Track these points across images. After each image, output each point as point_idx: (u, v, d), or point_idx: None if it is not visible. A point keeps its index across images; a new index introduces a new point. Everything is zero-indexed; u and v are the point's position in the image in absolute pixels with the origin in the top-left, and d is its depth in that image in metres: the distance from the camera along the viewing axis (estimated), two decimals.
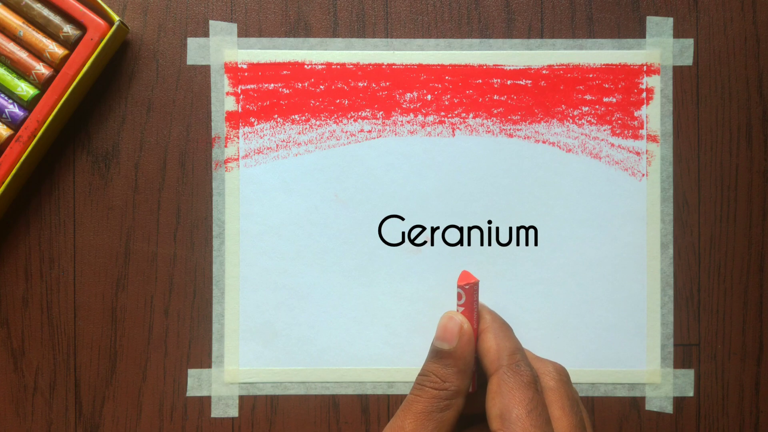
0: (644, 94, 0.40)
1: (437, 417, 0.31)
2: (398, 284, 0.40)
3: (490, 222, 0.40)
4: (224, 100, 0.40)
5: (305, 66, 0.40)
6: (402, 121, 0.40)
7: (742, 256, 0.40)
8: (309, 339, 0.39)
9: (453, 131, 0.40)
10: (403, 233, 0.40)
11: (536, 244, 0.40)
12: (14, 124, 0.38)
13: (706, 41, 0.40)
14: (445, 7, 0.40)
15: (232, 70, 0.40)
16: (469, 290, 0.32)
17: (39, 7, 0.38)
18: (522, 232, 0.40)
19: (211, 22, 0.40)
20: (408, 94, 0.40)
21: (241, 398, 0.39)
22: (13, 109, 0.38)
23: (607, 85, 0.40)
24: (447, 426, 0.31)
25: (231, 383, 0.39)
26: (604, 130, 0.40)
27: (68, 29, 0.38)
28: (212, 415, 0.39)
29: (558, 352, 0.39)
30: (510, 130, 0.40)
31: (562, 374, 0.33)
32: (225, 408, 0.39)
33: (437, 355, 0.32)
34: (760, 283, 0.40)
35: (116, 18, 0.37)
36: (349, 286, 0.40)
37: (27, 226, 0.40)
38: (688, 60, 0.40)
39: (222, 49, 0.40)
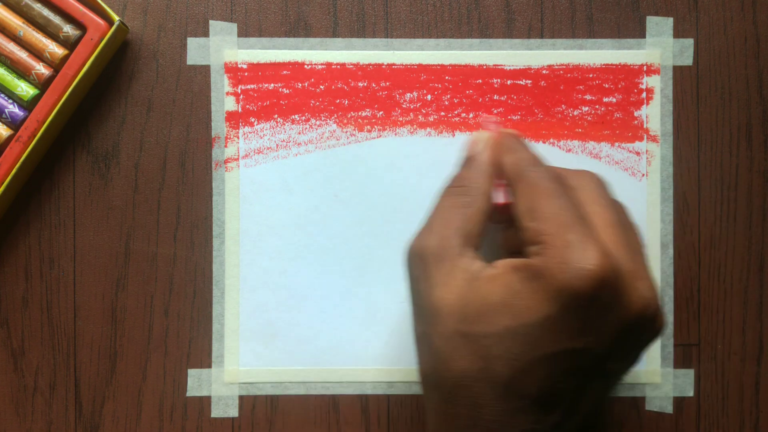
0: (644, 94, 0.40)
1: (460, 212, 0.31)
2: (398, 284, 0.40)
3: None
4: (224, 100, 0.40)
5: (305, 66, 0.40)
6: (402, 121, 0.40)
7: (742, 256, 0.40)
8: (309, 339, 0.39)
9: (453, 131, 0.40)
10: (403, 233, 0.40)
11: None
12: (14, 124, 0.38)
13: (706, 41, 0.40)
14: (445, 7, 0.40)
15: (232, 70, 0.40)
16: (494, 124, 0.34)
17: (39, 7, 0.38)
18: None
19: (211, 22, 0.40)
20: (408, 94, 0.40)
21: (241, 398, 0.39)
22: (13, 109, 0.38)
23: (607, 85, 0.40)
24: (472, 224, 0.31)
25: (231, 383, 0.39)
26: (604, 130, 0.40)
27: (68, 29, 0.38)
28: (212, 415, 0.39)
29: None
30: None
31: (596, 177, 0.33)
32: (225, 408, 0.39)
33: (461, 163, 0.33)
34: (760, 283, 0.40)
35: (116, 18, 0.37)
36: (349, 286, 0.40)
37: (27, 226, 0.40)
38: (688, 60, 0.40)
39: (222, 49, 0.40)
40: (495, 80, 0.40)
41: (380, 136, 0.40)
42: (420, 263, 0.31)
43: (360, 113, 0.40)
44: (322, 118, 0.40)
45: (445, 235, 0.31)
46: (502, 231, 0.35)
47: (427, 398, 0.31)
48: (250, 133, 0.40)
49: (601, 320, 0.29)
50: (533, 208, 0.30)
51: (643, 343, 0.31)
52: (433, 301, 0.30)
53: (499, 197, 0.33)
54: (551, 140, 0.40)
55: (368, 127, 0.40)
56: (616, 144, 0.40)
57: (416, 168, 0.40)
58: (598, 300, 0.28)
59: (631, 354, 0.31)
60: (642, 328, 0.30)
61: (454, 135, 0.40)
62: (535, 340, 0.28)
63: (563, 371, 0.29)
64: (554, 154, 0.40)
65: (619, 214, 0.32)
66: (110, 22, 0.38)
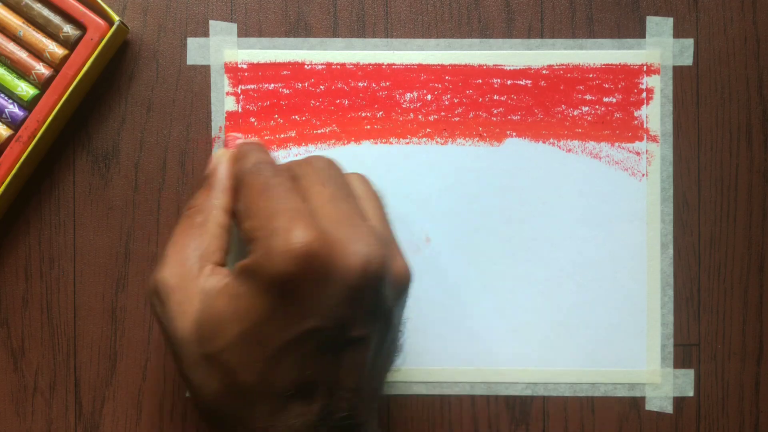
0: (644, 94, 0.40)
1: (195, 233, 0.31)
2: None
3: (490, 222, 0.40)
4: (224, 100, 0.40)
5: (305, 66, 0.40)
6: (402, 121, 0.40)
7: (742, 256, 0.40)
8: None
9: (453, 131, 0.40)
10: (404, 233, 0.40)
11: (536, 244, 0.40)
12: (14, 124, 0.38)
13: (706, 41, 0.40)
14: (445, 7, 0.40)
15: (232, 70, 0.40)
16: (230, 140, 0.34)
17: (39, 7, 0.38)
18: (522, 232, 0.40)
19: (211, 22, 0.40)
20: (408, 94, 0.40)
21: None
22: (13, 109, 0.38)
23: (607, 85, 0.40)
24: (208, 240, 0.31)
25: None
26: (604, 130, 0.40)
27: (68, 29, 0.38)
28: None
29: (558, 352, 0.39)
30: (510, 130, 0.40)
31: (323, 159, 0.32)
32: None
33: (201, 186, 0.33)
34: (760, 283, 0.40)
35: (116, 18, 0.37)
36: None
37: (27, 226, 0.40)
38: (688, 60, 0.40)
39: (222, 49, 0.40)
40: (495, 80, 0.40)
41: (380, 136, 0.40)
42: (157, 300, 0.31)
43: (360, 113, 0.40)
44: (322, 118, 0.40)
45: (179, 261, 0.31)
46: None
47: (208, 427, 0.31)
48: (249, 133, 0.40)
49: (321, 294, 0.28)
50: (248, 207, 0.30)
51: (384, 300, 0.30)
52: (175, 335, 0.30)
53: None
54: (551, 140, 0.40)
55: (368, 126, 0.40)
56: (616, 144, 0.40)
57: (416, 168, 0.40)
58: (310, 276, 0.27)
59: (377, 314, 0.30)
60: (369, 285, 0.29)
61: (454, 135, 0.40)
62: (265, 338, 0.28)
63: (304, 356, 0.28)
64: (554, 154, 0.40)
65: (343, 188, 0.31)
66: (110, 22, 0.38)
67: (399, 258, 0.31)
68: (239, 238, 0.31)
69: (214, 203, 0.32)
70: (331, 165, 0.32)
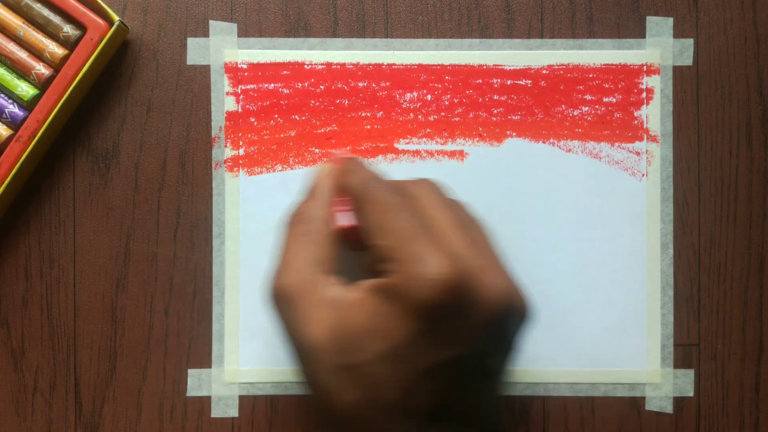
0: (644, 94, 0.40)
1: (306, 241, 0.31)
2: None
3: (489, 222, 0.40)
4: (224, 100, 0.40)
5: (305, 66, 0.40)
6: (402, 121, 0.40)
7: (742, 256, 0.40)
8: None
9: (453, 131, 0.40)
10: None
11: (536, 244, 0.40)
12: (14, 124, 0.38)
13: (706, 41, 0.40)
14: (445, 7, 0.40)
15: (232, 70, 0.40)
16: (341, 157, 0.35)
17: (39, 7, 0.38)
18: (522, 232, 0.40)
19: (211, 22, 0.40)
20: (408, 94, 0.40)
21: (241, 398, 0.39)
22: (13, 109, 0.38)
23: (607, 85, 0.40)
24: (320, 249, 0.31)
25: (231, 383, 0.39)
26: (604, 130, 0.40)
27: (68, 29, 0.38)
28: (212, 415, 0.39)
29: (558, 352, 0.39)
30: (510, 130, 0.40)
31: (429, 181, 0.33)
32: (225, 408, 0.39)
33: (304, 195, 0.34)
34: (760, 283, 0.40)
35: (116, 18, 0.37)
36: None
37: (27, 226, 0.40)
38: (688, 60, 0.40)
39: (222, 49, 0.40)
40: (495, 80, 0.40)
41: (380, 135, 0.40)
42: (283, 304, 0.31)
43: (360, 113, 0.40)
44: (322, 118, 0.40)
45: (298, 268, 0.31)
46: (360, 255, 0.34)
47: None
48: (249, 133, 0.40)
49: (464, 323, 0.28)
50: (380, 225, 0.30)
51: (511, 332, 0.31)
52: (305, 341, 0.30)
53: (344, 221, 0.32)
54: (551, 140, 0.40)
55: (368, 126, 0.40)
56: (616, 144, 0.40)
57: (416, 168, 0.40)
58: (455, 305, 0.28)
59: (505, 346, 0.31)
60: (505, 318, 0.30)
61: (454, 135, 0.40)
62: (410, 359, 0.28)
63: (446, 381, 0.29)
64: (554, 154, 0.40)
65: (458, 213, 0.32)
66: (110, 22, 0.38)
67: (522, 290, 0.31)
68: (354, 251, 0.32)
69: (320, 214, 0.32)
70: (439, 188, 0.33)
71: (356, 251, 0.33)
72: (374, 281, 0.29)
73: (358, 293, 0.30)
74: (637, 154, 0.40)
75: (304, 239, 0.32)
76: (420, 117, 0.40)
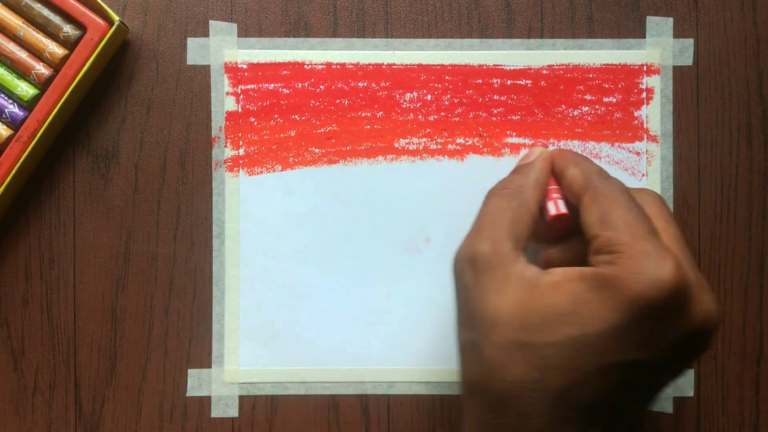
0: (644, 94, 0.40)
1: (510, 215, 0.31)
2: (398, 284, 0.40)
3: None
4: (224, 100, 0.40)
5: (305, 66, 0.40)
6: (402, 121, 0.40)
7: (742, 256, 0.40)
8: (309, 339, 0.39)
9: (453, 131, 0.40)
10: (404, 233, 0.40)
11: (536, 244, 0.40)
12: (14, 124, 0.38)
13: (706, 41, 0.40)
14: (445, 7, 0.40)
15: (232, 70, 0.40)
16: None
17: (39, 7, 0.38)
18: None
19: (211, 22, 0.40)
20: (408, 94, 0.40)
21: (241, 398, 0.39)
22: (13, 109, 0.38)
23: (607, 85, 0.40)
24: (522, 227, 0.31)
25: (231, 383, 0.39)
26: (604, 130, 0.40)
27: (68, 29, 0.38)
28: (212, 415, 0.39)
29: None
30: (510, 130, 0.40)
31: (657, 194, 0.33)
32: (225, 408, 0.39)
33: (513, 170, 0.34)
34: (760, 283, 0.40)
35: (116, 18, 0.37)
36: (349, 286, 0.40)
37: (27, 226, 0.40)
38: (688, 60, 0.40)
39: (222, 49, 0.40)
40: (495, 80, 0.40)
41: (380, 135, 0.40)
42: (471, 270, 0.31)
43: (360, 113, 0.40)
44: (322, 118, 0.40)
45: (496, 239, 0.31)
46: (544, 245, 0.34)
47: (468, 406, 0.31)
48: (249, 133, 0.40)
49: (665, 332, 0.29)
50: (606, 217, 0.30)
51: (694, 355, 0.31)
52: (488, 310, 0.30)
53: (553, 209, 0.33)
54: (551, 140, 0.40)
55: (367, 126, 0.40)
56: (616, 144, 0.40)
57: (417, 167, 0.40)
58: (668, 311, 0.28)
59: (682, 366, 0.31)
60: (699, 341, 0.30)
61: (454, 135, 0.40)
62: (597, 350, 0.28)
63: (619, 382, 0.29)
64: None
65: (677, 228, 0.32)
66: (110, 22, 0.38)
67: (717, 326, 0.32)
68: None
69: (529, 193, 0.32)
70: (665, 203, 0.33)
71: (552, 237, 0.33)
72: (584, 269, 0.29)
73: (556, 277, 0.30)
74: (637, 154, 0.40)
75: (507, 213, 0.31)
76: (420, 117, 0.40)
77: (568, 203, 0.33)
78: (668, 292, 0.28)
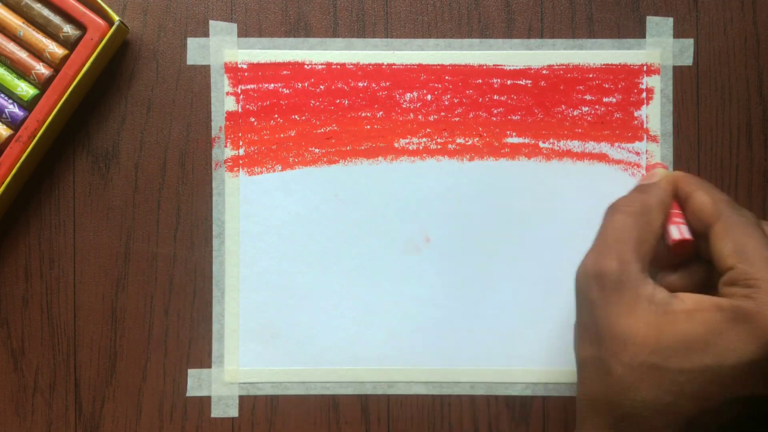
0: (644, 94, 0.40)
1: (636, 234, 0.31)
2: (398, 284, 0.40)
3: (490, 222, 0.40)
4: (224, 100, 0.40)
5: (305, 66, 0.40)
6: (402, 121, 0.40)
7: None
8: (309, 339, 0.39)
9: (453, 131, 0.40)
10: (404, 233, 0.40)
11: (536, 244, 0.40)
12: (14, 124, 0.38)
13: (706, 41, 0.40)
14: (445, 7, 0.40)
15: (232, 70, 0.40)
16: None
17: (39, 7, 0.38)
18: (522, 231, 0.40)
19: (211, 22, 0.40)
20: (408, 94, 0.40)
21: (241, 398, 0.39)
22: (13, 109, 0.38)
23: (607, 85, 0.40)
24: (647, 247, 0.31)
25: (231, 383, 0.39)
26: (604, 131, 0.40)
27: (68, 29, 0.38)
28: (212, 415, 0.39)
29: (558, 352, 0.39)
30: (510, 130, 0.40)
31: None
32: (225, 408, 0.39)
33: (635, 188, 0.33)
34: None
35: (116, 18, 0.37)
36: (349, 286, 0.40)
37: (27, 226, 0.40)
38: (688, 60, 0.40)
39: (222, 49, 0.40)
40: (495, 80, 0.40)
41: (381, 136, 0.40)
42: (598, 286, 0.31)
43: (360, 113, 0.40)
44: (322, 118, 0.40)
45: (623, 258, 0.31)
46: (660, 270, 0.34)
47: (586, 420, 0.31)
48: (249, 133, 0.40)
49: None
50: (741, 249, 0.30)
51: None
52: (618, 329, 0.30)
53: (677, 233, 0.33)
54: (551, 140, 0.40)
55: (368, 126, 0.40)
56: (616, 144, 0.40)
57: (417, 167, 0.40)
58: None
59: None
60: None
61: (454, 135, 0.40)
62: (731, 383, 0.29)
63: (744, 416, 0.29)
64: (554, 154, 0.40)
65: None
66: (110, 22, 0.38)
67: None
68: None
69: (656, 215, 0.32)
70: None
71: (670, 262, 0.33)
72: (721, 299, 0.30)
73: (690, 304, 0.30)
74: (637, 154, 0.40)
75: (632, 231, 0.31)
76: (420, 117, 0.40)
77: (691, 229, 0.33)
78: None
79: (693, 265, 0.33)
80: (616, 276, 0.30)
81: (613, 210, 0.33)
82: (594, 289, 0.31)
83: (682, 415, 0.29)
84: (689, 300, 0.30)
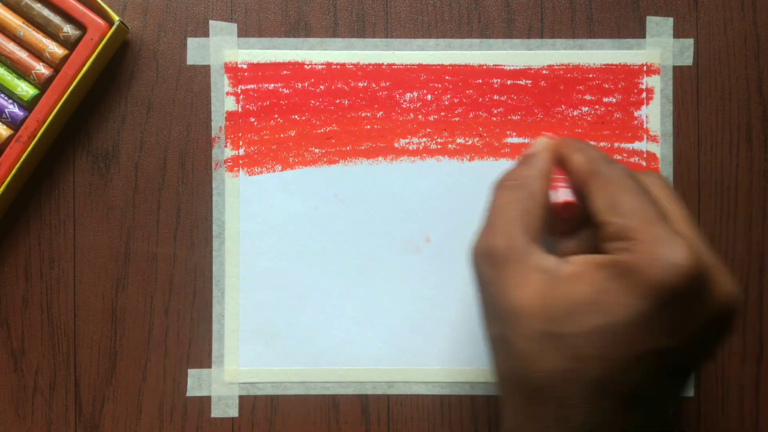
0: (644, 94, 0.40)
1: (519, 207, 0.31)
2: (398, 284, 0.40)
3: None
4: (224, 100, 0.40)
5: (305, 66, 0.40)
6: (402, 121, 0.40)
7: (742, 256, 0.40)
8: (309, 339, 0.39)
9: (453, 131, 0.40)
10: (404, 233, 0.40)
11: None
12: (14, 124, 0.38)
13: (706, 41, 0.40)
14: (445, 7, 0.40)
15: (232, 70, 0.40)
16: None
17: (39, 7, 0.38)
18: None
19: (211, 22, 0.40)
20: (408, 94, 0.40)
21: (241, 398, 0.39)
22: (13, 109, 0.38)
23: (607, 86, 0.40)
24: (533, 218, 0.31)
25: (231, 383, 0.39)
26: (604, 131, 0.40)
27: (68, 29, 0.38)
28: (212, 415, 0.39)
29: None
30: (510, 130, 0.40)
31: (660, 175, 0.33)
32: (225, 408, 0.39)
33: (517, 161, 0.33)
34: (760, 283, 0.40)
35: (116, 18, 0.37)
36: (349, 286, 0.40)
37: (27, 226, 0.40)
38: (688, 60, 0.40)
39: (222, 49, 0.40)
40: (495, 80, 0.40)
41: (380, 136, 0.40)
42: (489, 264, 0.31)
43: (360, 113, 0.40)
44: (322, 119, 0.40)
45: (509, 232, 0.31)
46: (560, 238, 0.34)
47: (506, 400, 0.31)
48: (249, 133, 0.40)
49: (689, 316, 0.28)
50: (614, 204, 0.30)
51: (720, 338, 0.31)
52: (511, 303, 0.30)
53: (562, 196, 0.32)
54: None
55: (367, 126, 0.40)
56: (616, 144, 0.40)
57: (417, 167, 0.40)
58: (688, 296, 0.28)
59: (709, 350, 0.31)
60: (723, 323, 0.30)
61: (454, 134, 0.40)
62: (628, 339, 0.28)
63: (653, 370, 0.29)
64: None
65: (685, 210, 0.32)
66: (110, 22, 0.38)
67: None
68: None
69: (536, 183, 0.32)
70: (668, 183, 0.33)
71: (564, 227, 0.33)
72: (600, 257, 0.29)
73: (575, 266, 0.29)
74: (638, 154, 0.40)
75: (516, 205, 0.31)
76: (420, 117, 0.40)
77: (575, 191, 0.33)
78: (687, 277, 0.28)
79: (588, 228, 0.32)
80: (503, 251, 0.30)
81: (496, 186, 0.33)
82: (486, 267, 0.31)
83: (587, 379, 0.28)
84: (577, 261, 0.30)
